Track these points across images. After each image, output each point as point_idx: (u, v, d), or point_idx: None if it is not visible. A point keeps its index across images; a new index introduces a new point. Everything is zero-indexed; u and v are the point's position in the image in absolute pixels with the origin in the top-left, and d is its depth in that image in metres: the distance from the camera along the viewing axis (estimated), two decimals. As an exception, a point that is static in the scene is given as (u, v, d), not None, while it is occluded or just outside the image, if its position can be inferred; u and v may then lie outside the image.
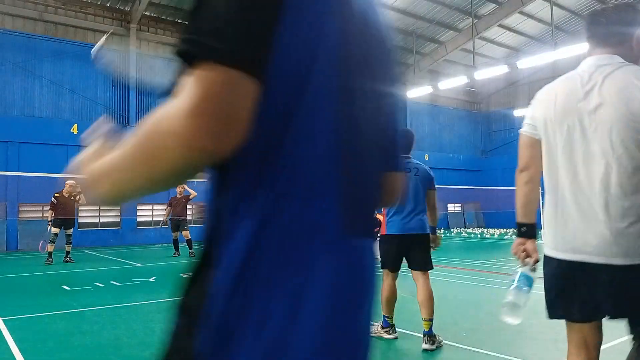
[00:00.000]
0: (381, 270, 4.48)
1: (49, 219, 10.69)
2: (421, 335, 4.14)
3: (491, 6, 21.53)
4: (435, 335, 4.13)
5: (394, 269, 4.42)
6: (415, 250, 4.30)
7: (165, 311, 5.74)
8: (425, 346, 4.08)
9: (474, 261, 10.61)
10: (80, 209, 16.12)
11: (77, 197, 10.66)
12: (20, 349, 4.16)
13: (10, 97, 15.53)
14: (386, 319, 4.46)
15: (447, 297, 6.29)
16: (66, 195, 10.55)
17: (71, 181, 10.58)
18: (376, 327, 4.43)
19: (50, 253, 10.65)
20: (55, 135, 15.95)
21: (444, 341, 4.26)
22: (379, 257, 4.53)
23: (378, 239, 4.67)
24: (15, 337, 4.53)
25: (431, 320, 4.11)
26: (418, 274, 4.30)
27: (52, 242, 10.70)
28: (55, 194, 10.63)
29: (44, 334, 4.71)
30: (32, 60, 15.94)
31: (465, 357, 3.88)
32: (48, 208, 11.14)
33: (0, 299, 6.63)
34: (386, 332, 4.45)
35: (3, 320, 5.25)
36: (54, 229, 10.61)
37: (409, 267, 4.41)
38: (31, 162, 15.28)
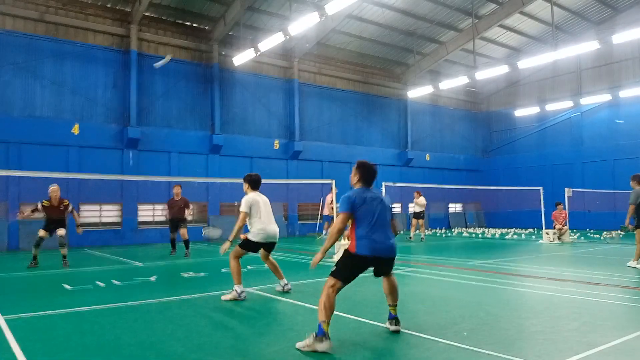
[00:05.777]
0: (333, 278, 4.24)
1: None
2: (423, 336, 4.26)
3: (491, 6, 21.54)
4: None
5: (349, 282, 4.36)
6: (387, 267, 4.49)
7: (166, 310, 5.74)
8: (393, 328, 4.55)
9: (474, 261, 10.60)
10: (80, 209, 16.10)
11: (68, 205, 10.29)
12: (21, 348, 4.17)
13: (11, 98, 15.54)
14: (321, 325, 3.98)
15: (448, 297, 6.29)
16: (55, 204, 10.10)
17: (54, 186, 10.16)
18: (308, 340, 3.99)
19: (34, 256, 10.08)
20: (55, 136, 15.99)
21: (444, 341, 4.27)
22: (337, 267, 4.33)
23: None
24: (16, 336, 4.54)
25: (397, 305, 4.64)
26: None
27: (37, 245, 10.06)
28: (44, 203, 10.05)
29: (45, 333, 4.71)
30: (33, 60, 15.95)
31: (466, 357, 3.88)
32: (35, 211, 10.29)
33: (1, 299, 6.65)
34: (319, 340, 3.93)
35: (4, 319, 5.26)
36: (41, 233, 10.01)
37: (376, 275, 4.55)
38: (32, 162, 15.29)
